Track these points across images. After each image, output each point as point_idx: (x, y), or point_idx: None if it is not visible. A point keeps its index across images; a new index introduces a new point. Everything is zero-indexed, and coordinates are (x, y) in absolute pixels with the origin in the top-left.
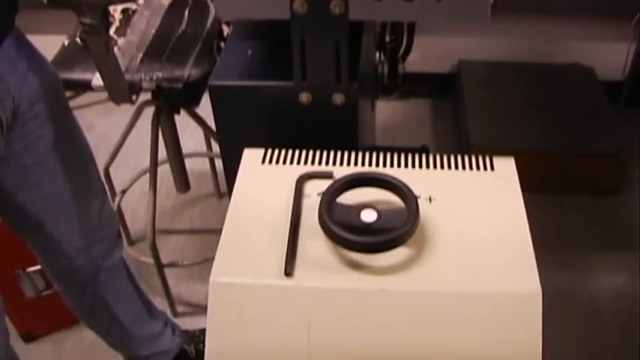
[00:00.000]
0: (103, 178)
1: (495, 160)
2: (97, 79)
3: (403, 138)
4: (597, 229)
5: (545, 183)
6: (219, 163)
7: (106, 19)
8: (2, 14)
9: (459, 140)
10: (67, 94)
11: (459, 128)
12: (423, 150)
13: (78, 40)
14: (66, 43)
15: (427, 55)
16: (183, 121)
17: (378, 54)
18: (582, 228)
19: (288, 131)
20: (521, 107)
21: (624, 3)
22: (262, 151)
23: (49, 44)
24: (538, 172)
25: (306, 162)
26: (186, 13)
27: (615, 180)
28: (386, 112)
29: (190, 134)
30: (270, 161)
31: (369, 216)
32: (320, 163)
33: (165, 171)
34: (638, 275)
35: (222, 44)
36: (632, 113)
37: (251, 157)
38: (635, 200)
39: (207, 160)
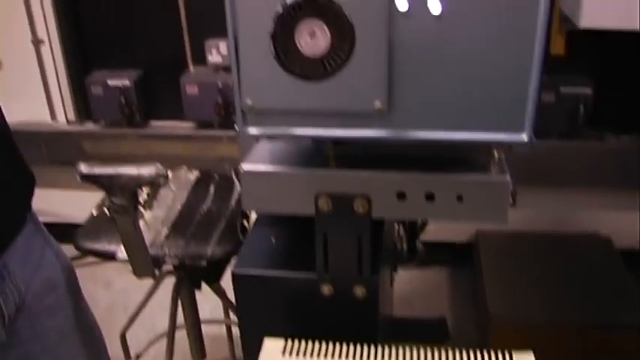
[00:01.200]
0: (118, 342)
1: (515, 355)
2: (121, 252)
3: (421, 307)
4: None
5: (567, 358)
6: (235, 330)
7: (135, 199)
8: (17, 203)
9: (478, 310)
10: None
11: (477, 298)
12: (440, 322)
13: (106, 211)
14: (94, 213)
15: (444, 225)
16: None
17: (397, 227)
18: None
19: (309, 321)
20: (539, 278)
21: (632, 173)
22: (282, 342)
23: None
24: (559, 346)
25: (326, 355)
26: (212, 189)
27: (638, 353)
28: (404, 280)
29: (207, 298)
30: (291, 353)
31: None
32: (340, 356)
33: (181, 335)
34: None
35: (245, 223)
36: None
37: (271, 347)
38: None
39: (223, 325)
